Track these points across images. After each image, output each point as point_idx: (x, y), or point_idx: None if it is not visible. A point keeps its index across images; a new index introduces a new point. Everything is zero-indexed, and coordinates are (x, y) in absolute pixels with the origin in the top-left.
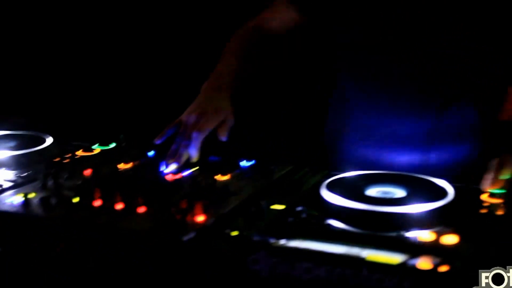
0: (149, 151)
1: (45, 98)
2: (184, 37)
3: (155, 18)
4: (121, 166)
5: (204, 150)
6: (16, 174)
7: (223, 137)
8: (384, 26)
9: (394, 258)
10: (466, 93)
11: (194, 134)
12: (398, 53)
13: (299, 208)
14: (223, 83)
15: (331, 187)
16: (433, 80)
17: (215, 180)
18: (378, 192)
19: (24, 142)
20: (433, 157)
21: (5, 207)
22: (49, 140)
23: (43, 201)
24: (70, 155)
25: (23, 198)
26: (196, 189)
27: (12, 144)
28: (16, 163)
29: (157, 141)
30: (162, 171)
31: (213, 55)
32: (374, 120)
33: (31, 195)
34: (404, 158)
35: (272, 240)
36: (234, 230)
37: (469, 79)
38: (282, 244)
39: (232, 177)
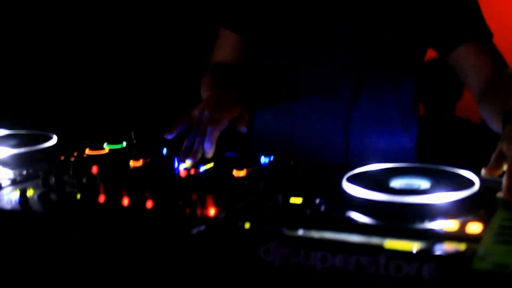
0: (162, 148)
1: (52, 97)
2: (193, 34)
3: (163, 18)
4: (132, 163)
5: (219, 146)
6: (16, 172)
7: (243, 129)
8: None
9: (413, 245)
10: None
11: (209, 129)
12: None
13: (318, 201)
14: (230, 89)
15: (353, 180)
16: (349, 67)
17: (232, 175)
18: (401, 184)
19: (28, 141)
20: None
21: (2, 204)
22: (54, 139)
23: (42, 197)
24: (76, 153)
25: (21, 195)
26: (209, 183)
27: (15, 142)
28: (18, 162)
29: (168, 136)
30: (176, 168)
31: None
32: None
33: (30, 192)
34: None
35: (285, 230)
36: (247, 222)
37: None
38: (295, 234)
39: (249, 173)
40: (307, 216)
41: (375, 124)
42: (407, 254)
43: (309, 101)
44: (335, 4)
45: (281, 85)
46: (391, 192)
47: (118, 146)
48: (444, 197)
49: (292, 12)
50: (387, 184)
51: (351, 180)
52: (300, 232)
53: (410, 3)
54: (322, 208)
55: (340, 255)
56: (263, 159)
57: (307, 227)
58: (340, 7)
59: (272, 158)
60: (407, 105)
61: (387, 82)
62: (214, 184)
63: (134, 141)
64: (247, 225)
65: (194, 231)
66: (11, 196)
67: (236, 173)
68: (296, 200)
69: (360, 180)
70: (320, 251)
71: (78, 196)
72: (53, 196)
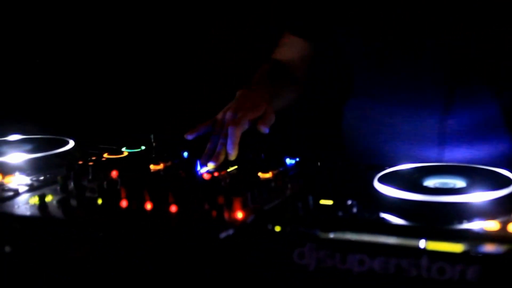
0: (183, 151)
1: (63, 100)
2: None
3: (180, 22)
4: (153, 167)
5: (243, 148)
6: (33, 178)
7: (265, 129)
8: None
9: (456, 246)
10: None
11: (230, 130)
12: (403, 50)
13: (349, 202)
14: (260, 88)
15: (384, 180)
16: (440, 77)
17: (257, 177)
18: (435, 183)
19: (43, 145)
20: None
21: (21, 211)
22: (71, 143)
23: (62, 203)
24: (95, 158)
25: (39, 201)
26: (235, 186)
27: (30, 147)
28: (34, 167)
29: (189, 137)
30: (198, 171)
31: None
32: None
33: (48, 198)
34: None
35: (318, 233)
36: (277, 225)
37: (478, 72)
38: (330, 236)
39: (275, 174)
40: (340, 218)
41: (473, 133)
42: (451, 255)
43: (399, 110)
44: (424, 14)
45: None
46: (427, 192)
47: (136, 150)
48: (483, 196)
49: (382, 23)
50: (420, 184)
51: (383, 180)
52: (335, 234)
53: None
54: (354, 209)
55: (379, 258)
56: (289, 161)
57: (341, 229)
58: (429, 17)
59: (297, 159)
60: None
61: (484, 88)
62: (239, 186)
63: (154, 144)
64: (277, 228)
65: (222, 235)
66: (30, 202)
67: (262, 175)
68: (327, 201)
69: (392, 180)
70: (357, 254)
71: (99, 201)
72: (73, 202)
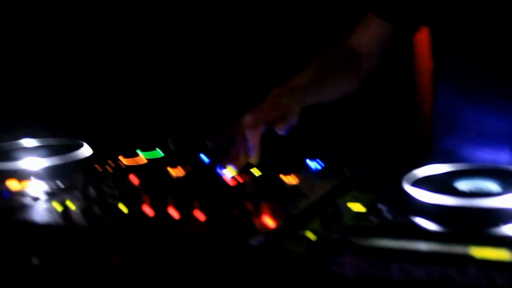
0: (202, 155)
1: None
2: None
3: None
4: (174, 172)
5: (266, 151)
6: (51, 184)
7: (281, 131)
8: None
9: (504, 253)
10: None
11: (248, 133)
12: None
13: (381, 207)
14: (291, 86)
15: (416, 183)
16: None
17: (282, 181)
18: (468, 186)
19: (58, 150)
20: None
21: (42, 218)
22: (86, 148)
23: (85, 210)
24: (111, 162)
25: (62, 208)
26: (261, 191)
27: (45, 152)
28: (51, 173)
29: (210, 144)
30: (220, 176)
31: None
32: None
33: (70, 205)
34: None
35: (357, 241)
36: (309, 232)
37: None
38: (369, 244)
39: (299, 178)
40: (376, 224)
41: None
42: (499, 263)
43: (490, 108)
44: None
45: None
46: (464, 196)
47: (156, 155)
48: None
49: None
50: (453, 187)
51: (414, 183)
52: (376, 241)
53: None
54: (387, 215)
55: (423, 266)
56: (311, 163)
57: (380, 236)
58: None
59: (320, 161)
60: None
61: None
62: (265, 191)
63: (173, 148)
64: (310, 235)
65: (254, 242)
66: (51, 210)
67: (285, 178)
68: (357, 206)
69: (423, 183)
70: (400, 262)
71: (124, 208)
72: (97, 209)
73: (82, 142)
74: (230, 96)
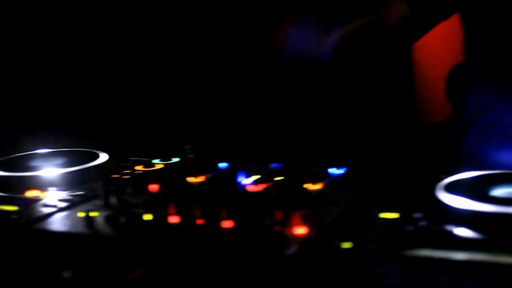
0: (221, 162)
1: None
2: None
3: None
4: (191, 179)
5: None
6: (70, 193)
7: None
8: None
9: None
10: None
11: None
12: None
13: (417, 215)
14: None
15: (451, 189)
16: None
17: (306, 189)
18: (504, 192)
19: (76, 159)
20: None
21: (65, 228)
22: (104, 156)
23: (109, 219)
24: (129, 171)
25: (86, 217)
26: (288, 199)
27: (62, 161)
28: (69, 181)
29: None
30: (241, 183)
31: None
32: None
33: (94, 214)
34: None
35: (399, 251)
36: (345, 241)
37: None
38: (413, 254)
39: (324, 186)
40: (413, 233)
41: None
42: None
43: None
44: None
45: None
46: (503, 203)
47: (172, 161)
48: None
49: None
50: (489, 194)
51: (449, 190)
52: (417, 251)
53: None
54: (423, 223)
55: (472, 277)
56: (334, 170)
57: (420, 245)
58: None
59: (344, 169)
60: None
61: None
62: (292, 199)
63: (191, 155)
64: (347, 245)
65: (289, 252)
66: (74, 218)
67: (310, 186)
68: (390, 215)
69: (457, 189)
70: (448, 273)
71: (149, 217)
72: (121, 218)
73: (98, 151)
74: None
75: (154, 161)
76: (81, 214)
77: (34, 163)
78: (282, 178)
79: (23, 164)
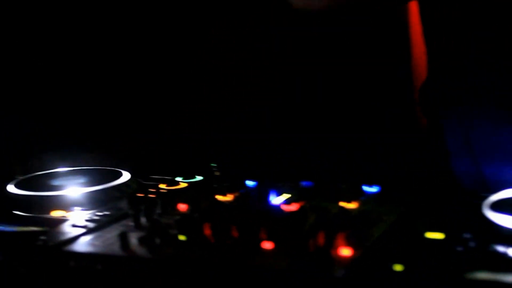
0: (248, 180)
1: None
2: None
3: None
4: (220, 198)
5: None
6: (96, 213)
7: None
8: None
9: None
10: None
11: None
12: None
13: (466, 235)
14: None
15: (499, 208)
16: None
17: (343, 208)
18: None
19: (98, 177)
20: None
21: (98, 249)
22: (126, 175)
23: (143, 240)
24: (154, 190)
25: (118, 237)
26: (327, 219)
27: (83, 180)
28: (93, 200)
29: None
30: (273, 202)
31: None
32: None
33: (127, 235)
34: None
35: (453, 273)
36: (395, 263)
37: None
38: (469, 277)
39: (360, 204)
40: (466, 255)
41: None
42: None
43: None
44: None
45: None
46: None
47: (196, 179)
48: None
49: None
50: None
51: (497, 209)
52: (476, 274)
53: None
54: (472, 243)
55: None
56: (368, 188)
57: (477, 268)
58: None
59: (378, 188)
60: None
61: None
62: (329, 219)
63: (217, 173)
64: (399, 267)
65: (339, 274)
66: (105, 239)
67: (345, 205)
68: (435, 235)
69: (506, 208)
70: None
71: (183, 237)
72: (155, 239)
73: (120, 169)
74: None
75: (178, 178)
76: (113, 235)
77: (55, 182)
78: (315, 196)
79: (44, 183)
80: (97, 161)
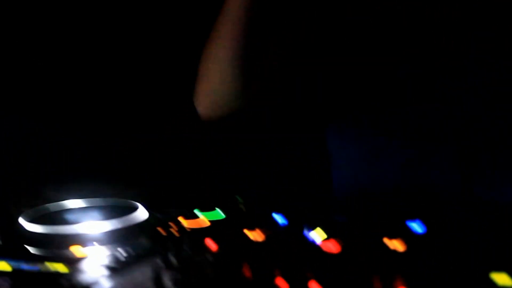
0: (276, 215)
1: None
2: None
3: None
4: (254, 236)
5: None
6: (117, 249)
7: None
8: None
9: None
10: None
11: None
12: None
13: None
14: None
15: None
16: None
17: (385, 245)
18: None
19: (112, 212)
20: None
21: None
22: (142, 209)
23: (180, 282)
24: (176, 226)
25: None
26: (374, 259)
27: (98, 214)
28: (113, 237)
29: None
30: (311, 240)
31: None
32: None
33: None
34: None
35: None
36: None
37: None
38: None
39: (407, 243)
40: None
41: None
42: None
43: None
44: None
45: None
46: None
47: (217, 216)
48: None
49: None
50: None
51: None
52: None
53: None
54: None
55: None
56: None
57: None
58: None
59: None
60: None
61: None
62: (376, 259)
63: (243, 207)
64: None
65: None
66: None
67: (391, 243)
68: (501, 277)
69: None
70: None
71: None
72: (191, 278)
73: (135, 202)
74: None
75: (198, 213)
76: (144, 275)
77: (69, 215)
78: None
79: (58, 217)
80: (105, 187)
